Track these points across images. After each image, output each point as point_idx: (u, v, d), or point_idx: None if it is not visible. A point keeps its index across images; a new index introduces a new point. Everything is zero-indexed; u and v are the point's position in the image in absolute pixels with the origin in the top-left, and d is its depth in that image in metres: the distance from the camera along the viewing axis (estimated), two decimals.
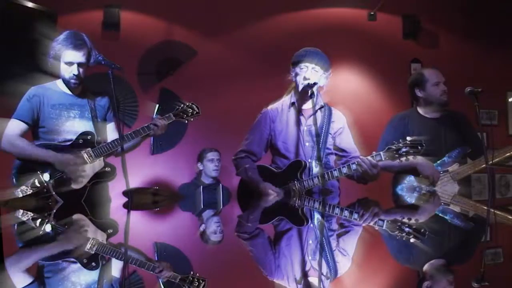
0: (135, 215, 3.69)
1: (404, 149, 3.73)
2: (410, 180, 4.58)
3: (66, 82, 4.03)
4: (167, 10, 6.88)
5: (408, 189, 4.60)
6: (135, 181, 6.30)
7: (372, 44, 7.12)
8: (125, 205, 3.85)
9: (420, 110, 4.70)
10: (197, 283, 1.83)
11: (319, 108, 4.20)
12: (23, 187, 3.74)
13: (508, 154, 4.49)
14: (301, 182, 4.02)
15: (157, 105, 6.24)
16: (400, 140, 3.72)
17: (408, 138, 3.72)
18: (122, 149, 3.93)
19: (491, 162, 4.30)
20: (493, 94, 5.92)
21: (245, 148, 4.22)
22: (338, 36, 7.04)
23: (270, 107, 4.26)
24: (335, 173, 3.92)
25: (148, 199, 5.05)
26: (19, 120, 3.98)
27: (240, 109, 6.01)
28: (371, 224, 3.49)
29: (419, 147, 3.70)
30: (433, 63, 6.99)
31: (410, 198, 4.38)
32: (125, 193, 4.00)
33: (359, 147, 6.56)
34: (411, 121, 4.68)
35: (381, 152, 3.78)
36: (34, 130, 4.05)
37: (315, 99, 4.09)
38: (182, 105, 4.11)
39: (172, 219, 3.87)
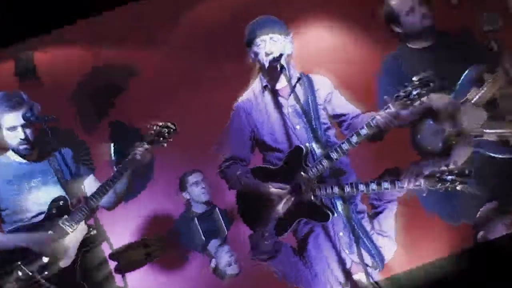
0: (134, 276, 3.69)
1: (414, 92, 3.68)
2: (430, 125, 4.55)
3: (16, 151, 4.00)
4: (84, 35, 6.79)
5: (431, 135, 4.57)
6: (121, 239, 6.25)
7: None
8: (117, 270, 3.83)
9: (409, 44, 4.70)
10: None
11: (297, 81, 4.17)
12: (8, 286, 3.73)
13: None
14: (309, 171, 3.96)
15: (112, 144, 6.19)
16: (407, 84, 3.69)
17: (415, 78, 3.68)
18: (93, 212, 3.91)
19: None
20: None
21: (227, 155, 4.16)
22: None
23: (240, 99, 4.21)
24: (344, 146, 3.89)
25: (140, 253, 5.03)
26: None
27: (207, 114, 5.98)
28: (413, 186, 3.47)
29: (431, 84, 3.66)
30: None
31: (438, 144, 4.37)
32: (112, 256, 3.98)
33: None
34: (404, 59, 4.67)
35: (390, 104, 3.77)
36: None
37: (287, 72, 4.05)
38: (154, 127, 4.10)
39: (176, 265, 3.86)
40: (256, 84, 4.24)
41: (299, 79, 4.18)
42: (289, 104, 4.14)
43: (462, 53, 4.54)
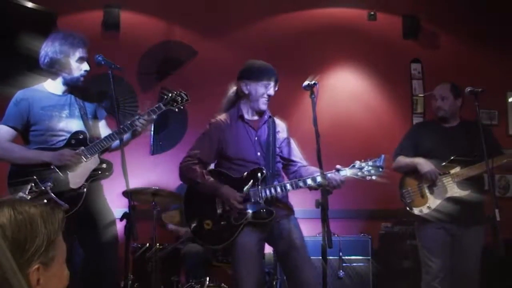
0: None
1: (366, 170, 4.02)
2: None
3: (74, 81, 4.11)
4: (167, 10, 7.03)
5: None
6: (135, 182, 6.38)
7: (372, 44, 7.23)
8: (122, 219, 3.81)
9: (440, 120, 4.93)
10: None
11: (267, 120, 4.31)
12: (21, 194, 3.71)
13: (505, 160, 4.67)
14: (260, 190, 4.07)
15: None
16: (363, 160, 4.03)
17: (371, 162, 4.02)
18: (106, 149, 4.02)
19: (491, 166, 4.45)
20: (493, 94, 5.99)
21: (194, 156, 4.18)
22: (337, 36, 7.23)
23: (218, 118, 4.29)
24: (300, 183, 4.10)
25: (149, 199, 5.12)
26: (8, 126, 4.04)
27: None
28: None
29: (380, 169, 4.01)
30: (433, 63, 7.15)
31: None
32: (125, 193, 4.06)
33: (359, 146, 6.72)
34: (426, 130, 4.97)
35: (347, 168, 4.05)
36: (24, 134, 4.13)
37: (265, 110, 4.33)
38: (170, 94, 4.20)
39: None
40: (233, 111, 4.30)
41: (269, 117, 4.31)
42: (256, 134, 4.24)
43: (472, 140, 4.66)
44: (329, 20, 7.24)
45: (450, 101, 4.87)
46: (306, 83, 3.94)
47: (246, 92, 4.23)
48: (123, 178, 3.78)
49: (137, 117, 4.14)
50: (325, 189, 3.73)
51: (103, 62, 4.02)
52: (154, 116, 4.18)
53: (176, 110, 4.28)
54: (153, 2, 7.06)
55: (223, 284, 4.80)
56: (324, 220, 3.49)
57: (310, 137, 3.99)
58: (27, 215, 1.55)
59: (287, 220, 4.20)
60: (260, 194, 4.07)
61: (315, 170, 4.14)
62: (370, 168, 4.02)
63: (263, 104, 4.23)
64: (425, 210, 4.78)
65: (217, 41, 7.11)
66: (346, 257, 6.00)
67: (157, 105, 4.18)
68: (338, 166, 4.06)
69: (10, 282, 1.39)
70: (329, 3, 7.29)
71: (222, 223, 4.09)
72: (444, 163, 4.80)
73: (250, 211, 4.05)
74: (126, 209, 3.69)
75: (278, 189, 4.08)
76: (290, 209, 4.29)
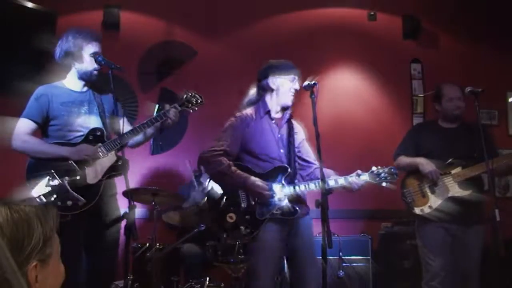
0: None
1: (383, 175, 4.12)
2: None
3: (88, 75, 4.14)
4: (167, 10, 7.05)
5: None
6: (135, 182, 6.38)
7: (372, 44, 7.22)
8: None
9: (439, 120, 4.92)
10: None
11: (289, 118, 4.35)
12: (38, 188, 3.80)
13: (505, 161, 4.68)
14: (285, 187, 4.09)
15: (157, 105, 6.32)
16: (379, 167, 4.14)
17: (387, 169, 4.14)
18: (123, 146, 4.02)
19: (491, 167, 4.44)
20: (493, 94, 5.99)
21: (220, 148, 4.17)
22: (338, 36, 7.22)
23: (244, 112, 4.31)
24: (331, 183, 4.11)
25: (148, 199, 5.11)
26: (29, 119, 4.09)
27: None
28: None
29: (395, 176, 4.15)
30: (433, 63, 7.13)
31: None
32: (125, 193, 4.06)
33: (359, 145, 6.72)
34: (427, 130, 4.97)
35: (367, 174, 4.14)
36: (43, 129, 4.20)
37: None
38: (185, 95, 4.23)
39: None
40: (259, 106, 4.31)
41: (290, 116, 4.34)
42: (280, 132, 4.26)
43: (472, 142, 4.68)
44: (329, 20, 7.29)
45: (463, 101, 4.92)
46: (306, 83, 3.95)
47: (274, 87, 4.27)
48: (123, 178, 3.80)
49: (167, 108, 4.18)
50: (325, 190, 3.70)
51: (103, 62, 4.05)
52: (180, 108, 4.22)
53: (191, 111, 4.30)
54: (153, 2, 7.05)
55: (223, 284, 4.80)
56: (324, 220, 3.48)
57: (311, 137, 3.98)
58: (23, 213, 1.57)
59: (304, 219, 4.26)
60: (285, 191, 4.11)
61: (331, 173, 4.21)
62: (386, 175, 4.11)
63: (290, 98, 4.27)
64: (426, 209, 4.80)
65: (217, 41, 7.10)
66: (346, 257, 6.00)
67: (173, 105, 4.21)
68: (359, 171, 4.11)
69: (10, 282, 1.40)
70: (329, 3, 7.28)
71: (246, 217, 4.10)
72: (445, 163, 4.83)
73: (275, 206, 4.09)
74: (126, 209, 3.69)
75: (303, 187, 4.11)
76: (308, 208, 4.32)
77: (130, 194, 3.77)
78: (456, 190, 4.75)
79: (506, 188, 7.12)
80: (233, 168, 4.12)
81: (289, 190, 4.11)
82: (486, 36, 7.26)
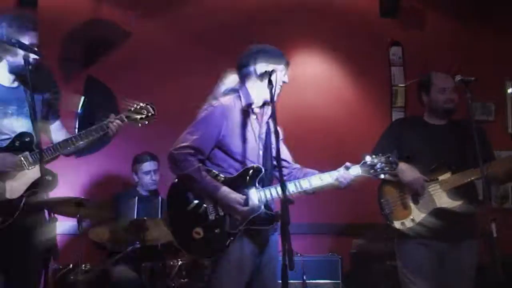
0: None
1: (379, 166, 4.11)
2: None
3: (20, 68, 4.02)
4: None
5: None
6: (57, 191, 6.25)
7: (343, 24, 7.23)
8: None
9: (425, 116, 4.87)
10: None
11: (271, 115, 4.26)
12: None
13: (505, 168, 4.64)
14: (260, 192, 4.03)
15: (83, 98, 6.22)
16: (373, 156, 4.11)
17: (384, 157, 4.12)
18: (41, 155, 3.93)
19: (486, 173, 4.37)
20: (488, 83, 6.02)
21: (192, 144, 4.09)
22: (300, 13, 7.16)
23: (222, 101, 4.22)
24: (317, 182, 4.11)
25: (72, 211, 5.02)
26: None
27: (181, 100, 6.04)
28: None
29: (394, 166, 4.13)
30: (416, 46, 7.13)
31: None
32: (45, 204, 3.98)
33: (327, 144, 6.71)
34: (410, 127, 4.88)
35: (358, 166, 4.09)
36: None
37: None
38: (135, 106, 4.14)
39: None
40: (239, 96, 4.23)
41: (274, 113, 4.27)
42: (260, 131, 4.21)
43: (464, 144, 4.66)
44: None
45: (456, 93, 4.84)
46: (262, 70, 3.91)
47: (257, 75, 4.14)
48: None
49: (109, 119, 4.09)
50: (286, 199, 3.51)
51: (17, 45, 3.95)
52: (127, 121, 4.14)
53: (139, 125, 4.21)
54: None
55: None
56: (284, 236, 3.27)
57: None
58: None
59: (274, 235, 4.20)
60: (261, 197, 4.02)
61: (311, 172, 4.23)
62: (383, 164, 4.09)
63: (277, 92, 4.08)
64: (408, 223, 4.70)
65: (154, 20, 7.02)
66: (311, 281, 5.98)
67: (119, 116, 4.13)
68: (348, 164, 4.07)
69: None
70: None
71: (215, 231, 4.00)
72: (431, 168, 4.76)
73: (250, 216, 3.99)
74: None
75: (280, 191, 3.83)
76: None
77: (50, 206, 3.71)
78: (444, 201, 4.66)
79: (505, 197, 7.14)
80: (203, 173, 4.02)
81: (265, 195, 4.01)
82: (479, 14, 7.29)
